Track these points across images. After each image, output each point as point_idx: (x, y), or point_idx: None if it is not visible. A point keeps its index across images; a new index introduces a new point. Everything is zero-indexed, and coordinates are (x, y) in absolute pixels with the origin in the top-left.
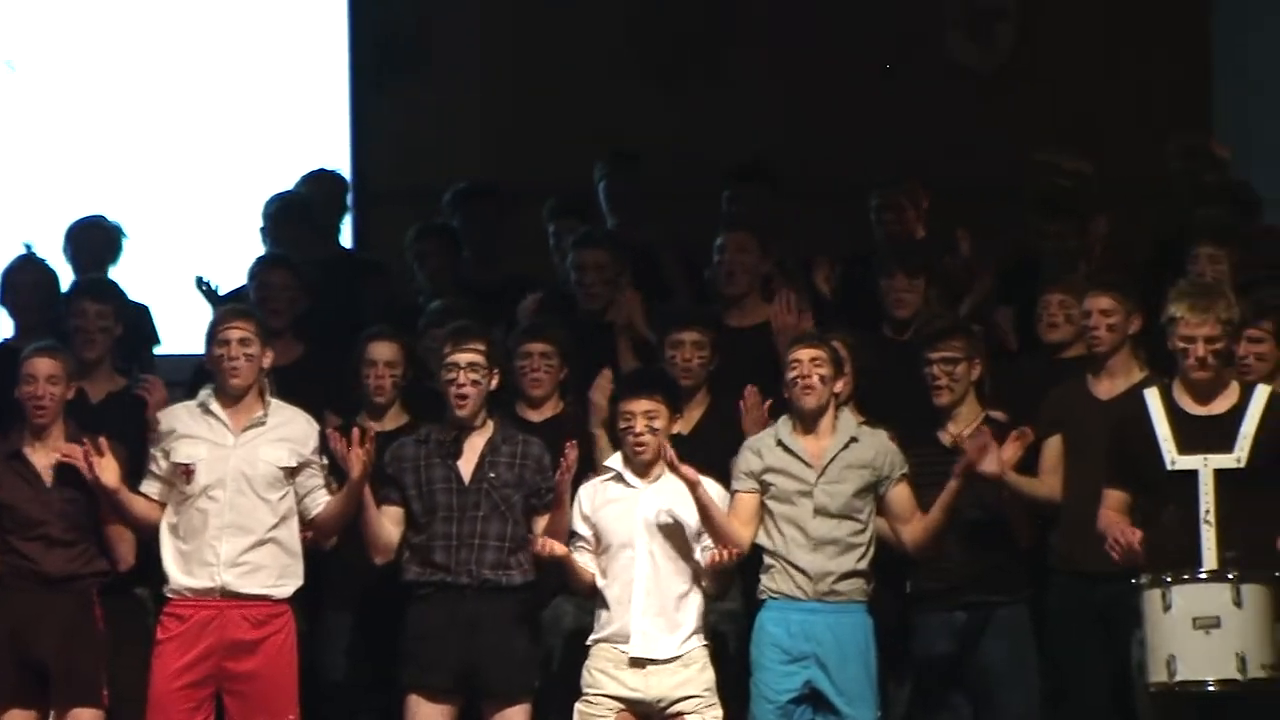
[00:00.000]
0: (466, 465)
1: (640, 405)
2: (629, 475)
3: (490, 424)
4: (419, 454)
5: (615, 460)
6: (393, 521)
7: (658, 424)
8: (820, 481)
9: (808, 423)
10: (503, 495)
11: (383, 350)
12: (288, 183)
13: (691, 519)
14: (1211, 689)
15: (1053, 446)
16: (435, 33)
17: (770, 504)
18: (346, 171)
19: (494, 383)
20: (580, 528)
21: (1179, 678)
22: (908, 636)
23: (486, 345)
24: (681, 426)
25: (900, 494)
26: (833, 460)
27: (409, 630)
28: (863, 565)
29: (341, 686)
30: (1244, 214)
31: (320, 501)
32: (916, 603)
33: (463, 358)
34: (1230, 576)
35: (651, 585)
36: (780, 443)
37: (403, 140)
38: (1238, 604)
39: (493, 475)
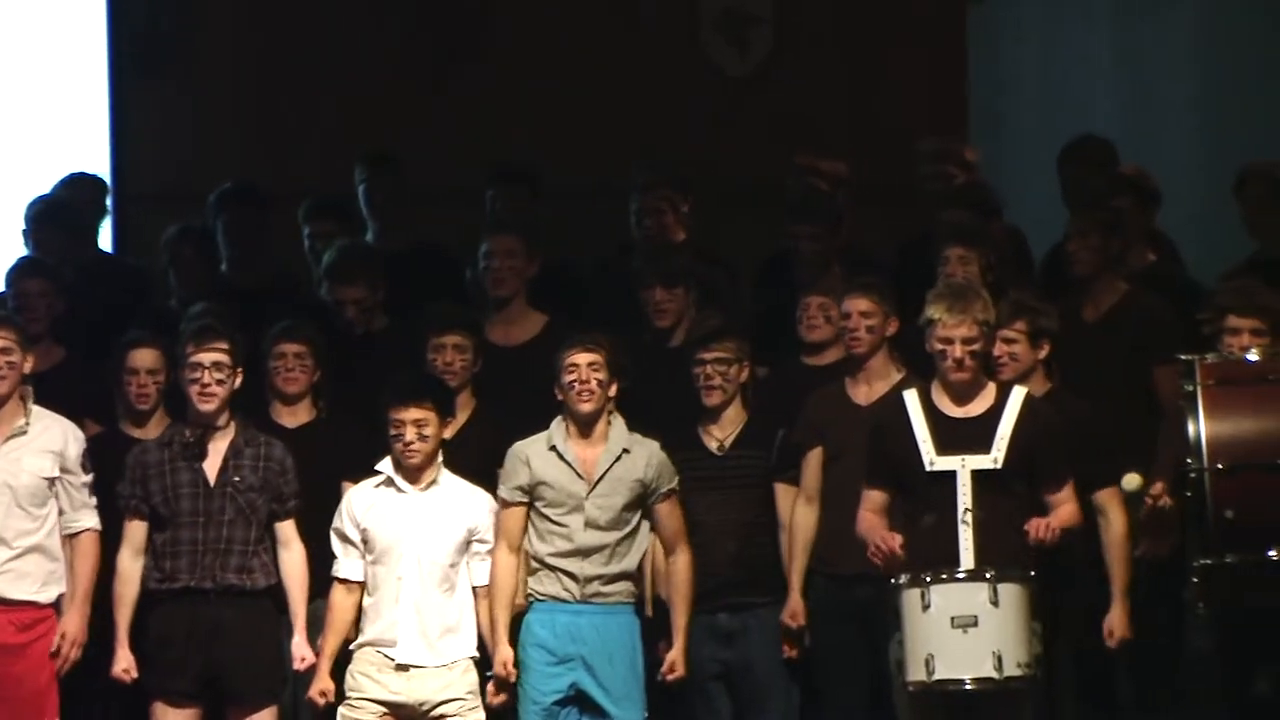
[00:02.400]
0: (211, 468)
1: (410, 414)
2: (400, 481)
3: (233, 426)
4: (163, 457)
5: (386, 465)
6: (140, 535)
7: (428, 431)
8: (591, 495)
9: (582, 428)
10: (247, 499)
11: (144, 358)
12: (47, 185)
13: (461, 527)
14: (969, 687)
15: (815, 457)
16: (195, 32)
17: (541, 512)
18: (106, 173)
19: (237, 382)
20: (350, 532)
21: (937, 676)
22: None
23: (230, 345)
24: (446, 431)
25: (665, 510)
26: (605, 475)
27: (150, 636)
28: (630, 567)
29: (99, 691)
30: (986, 216)
31: (80, 525)
32: None
33: (206, 357)
34: (987, 576)
35: (419, 591)
36: (553, 448)
37: (163, 141)
38: (995, 603)
39: (237, 479)
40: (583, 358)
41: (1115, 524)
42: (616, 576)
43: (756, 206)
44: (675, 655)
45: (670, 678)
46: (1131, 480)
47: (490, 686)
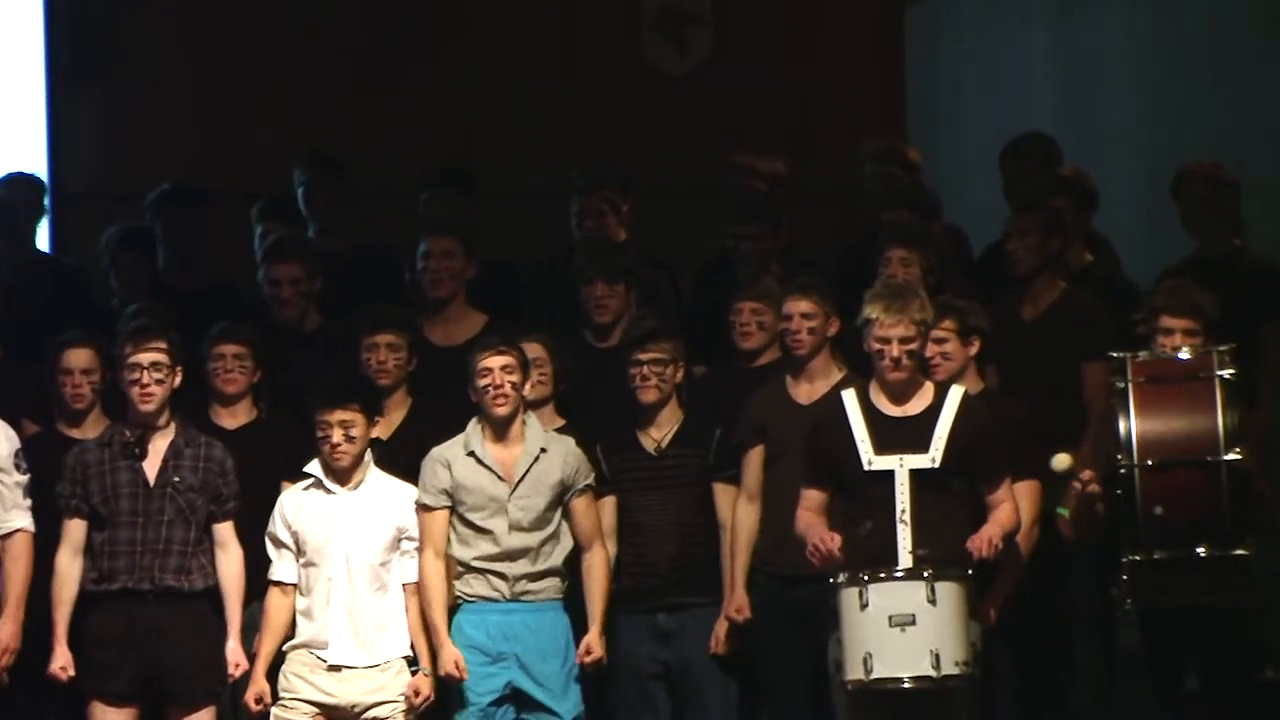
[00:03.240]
0: (151, 468)
1: (336, 415)
2: (329, 482)
3: (173, 426)
4: (103, 457)
5: (314, 467)
6: (79, 535)
7: (354, 432)
8: (513, 497)
9: (498, 430)
10: (187, 500)
11: (78, 358)
12: None
13: (390, 525)
14: (907, 686)
15: (756, 456)
16: (134, 31)
17: (464, 516)
18: (43, 172)
19: (176, 381)
20: (282, 535)
21: (875, 675)
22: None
23: (168, 344)
24: (381, 431)
25: (580, 506)
26: (525, 476)
27: (88, 637)
28: (556, 564)
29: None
30: (926, 217)
31: (12, 525)
32: (619, 603)
33: (144, 357)
34: (925, 575)
35: (349, 591)
36: (471, 452)
37: (101, 141)
38: (932, 602)
39: (177, 479)
40: (495, 361)
41: (1022, 519)
42: (544, 574)
43: (697, 206)
44: (591, 638)
45: (587, 661)
46: (1062, 460)
47: (409, 690)
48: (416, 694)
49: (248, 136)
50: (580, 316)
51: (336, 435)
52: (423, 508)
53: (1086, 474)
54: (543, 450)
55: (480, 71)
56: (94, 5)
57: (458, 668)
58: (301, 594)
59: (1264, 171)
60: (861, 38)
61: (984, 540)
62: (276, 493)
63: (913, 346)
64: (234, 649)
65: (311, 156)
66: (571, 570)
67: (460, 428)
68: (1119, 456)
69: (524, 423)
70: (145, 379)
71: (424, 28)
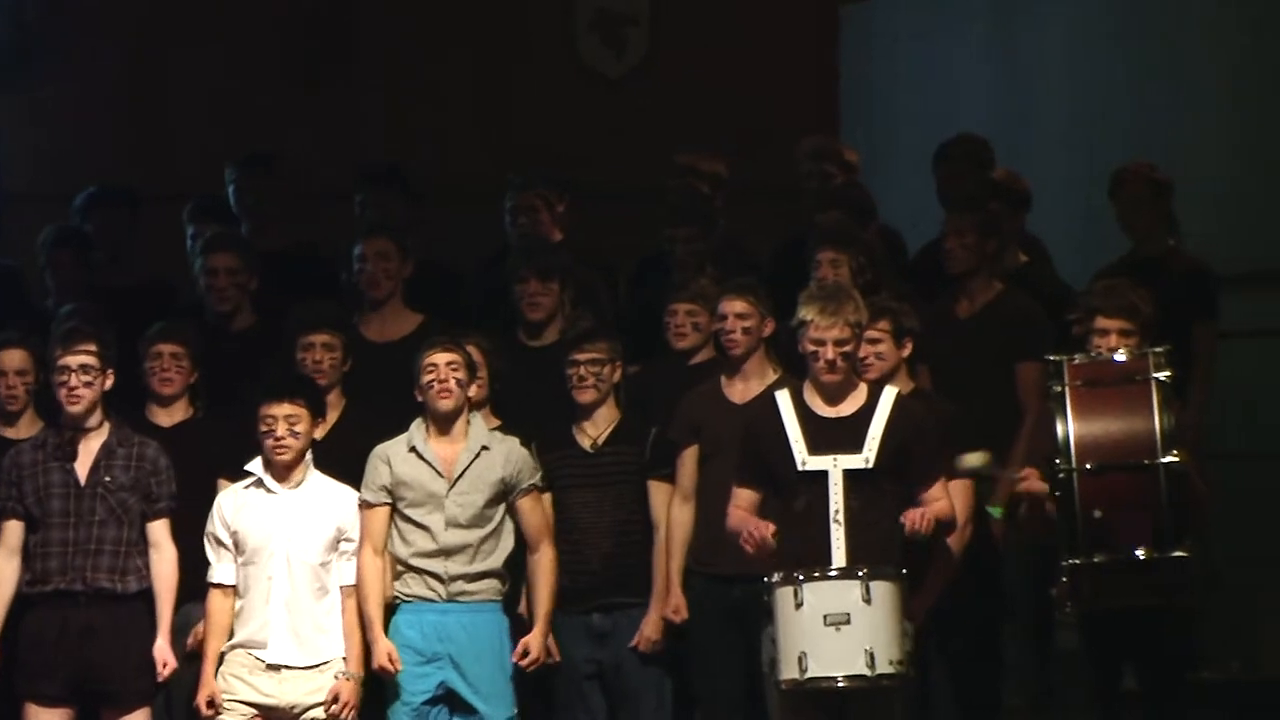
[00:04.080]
0: (83, 468)
1: (282, 409)
2: (270, 481)
3: (106, 426)
4: (36, 458)
5: (256, 465)
6: (15, 536)
7: (299, 428)
8: (451, 493)
9: (442, 426)
10: (119, 499)
11: (12, 359)
12: None
13: (330, 525)
14: (841, 685)
15: (691, 456)
16: (68, 31)
17: (403, 512)
18: None
19: (108, 383)
20: (222, 535)
21: (809, 674)
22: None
23: (98, 346)
24: (317, 431)
25: (526, 506)
26: (464, 472)
27: (23, 638)
28: (495, 565)
29: None
30: (862, 218)
31: None
32: (556, 603)
33: (73, 360)
34: (860, 574)
35: (289, 591)
36: (413, 449)
37: (35, 140)
38: (867, 601)
39: (109, 479)
40: (441, 357)
41: (956, 518)
42: (482, 575)
43: (633, 207)
44: (531, 639)
45: (524, 663)
46: (973, 459)
47: (329, 694)
48: (336, 699)
49: (182, 137)
50: (515, 317)
51: (281, 429)
52: (363, 504)
53: (1026, 471)
54: (484, 448)
55: (416, 72)
56: (25, 10)
57: (391, 660)
58: (240, 594)
59: (1197, 172)
60: (796, 38)
61: (918, 514)
62: (213, 491)
63: (847, 349)
64: (161, 648)
65: (244, 156)
66: (513, 572)
67: (395, 425)
68: (1057, 460)
69: (468, 421)
70: (73, 381)
71: (359, 28)
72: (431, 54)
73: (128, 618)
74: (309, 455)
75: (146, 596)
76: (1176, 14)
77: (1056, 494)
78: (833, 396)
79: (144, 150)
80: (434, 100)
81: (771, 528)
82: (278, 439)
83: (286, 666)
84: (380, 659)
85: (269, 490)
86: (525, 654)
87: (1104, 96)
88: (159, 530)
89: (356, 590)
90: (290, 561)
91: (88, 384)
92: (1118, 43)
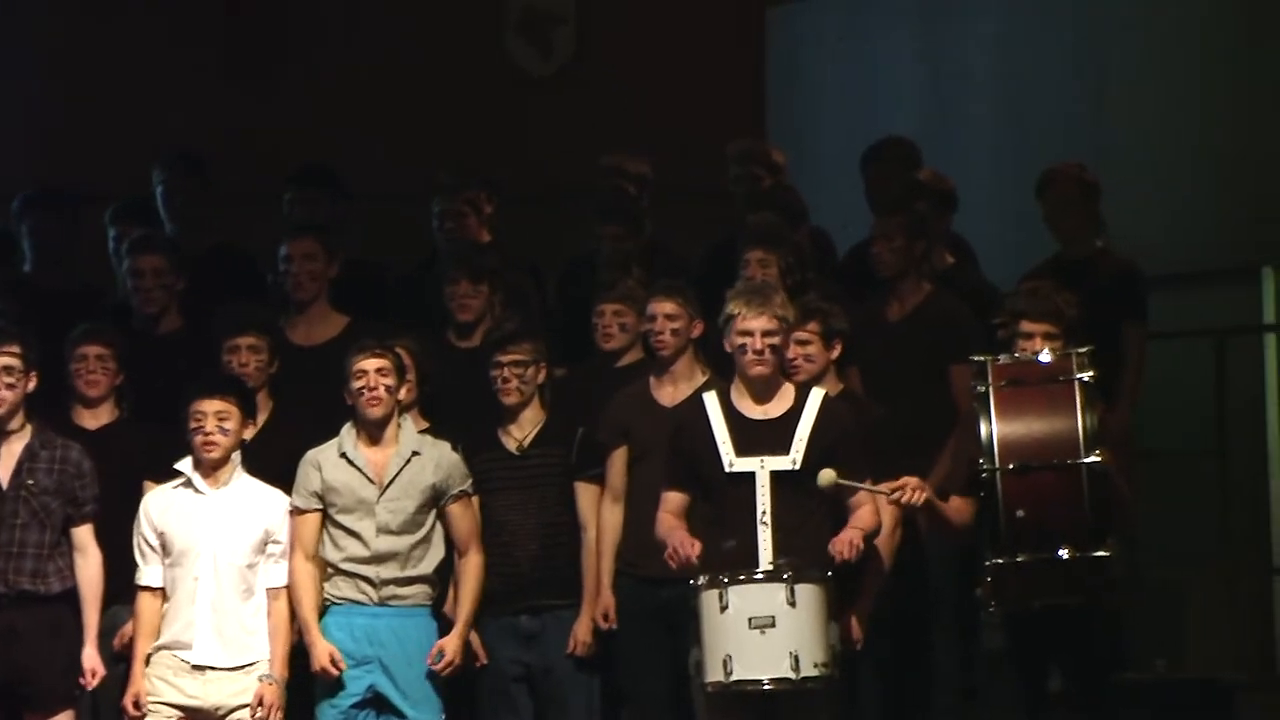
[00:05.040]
0: (5, 471)
1: (212, 405)
2: (198, 481)
3: (29, 429)
4: None
5: (185, 465)
6: None
7: (229, 425)
8: (382, 499)
9: (372, 432)
10: (41, 503)
11: None
12: None
13: (258, 527)
14: (766, 687)
15: (620, 457)
16: None
17: (334, 519)
18: None
19: (31, 385)
20: (149, 537)
21: (735, 677)
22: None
23: (21, 348)
24: (246, 433)
25: (457, 512)
26: (395, 478)
27: None
28: (426, 571)
29: None
30: (791, 220)
31: None
32: (482, 605)
33: None
34: (785, 577)
35: (215, 592)
36: (343, 454)
37: None
38: (792, 604)
39: (31, 482)
40: (370, 363)
41: (884, 522)
42: (413, 580)
43: (561, 207)
44: (446, 642)
45: (439, 667)
46: (825, 475)
47: (254, 697)
48: (260, 702)
49: (109, 139)
50: (444, 318)
51: (210, 424)
52: (294, 510)
53: (902, 481)
54: (415, 453)
55: (343, 72)
56: None
57: (333, 662)
58: (165, 596)
59: (1123, 174)
60: (723, 39)
61: (845, 542)
62: (138, 494)
63: (775, 340)
64: (90, 655)
65: (170, 157)
66: (444, 577)
67: (322, 428)
68: (981, 460)
69: (399, 425)
70: None
71: (286, 28)
72: (358, 53)
73: (51, 619)
74: (237, 456)
75: (70, 598)
76: (1101, 13)
77: (980, 494)
78: (760, 397)
79: (69, 152)
80: (361, 100)
81: (699, 548)
82: (207, 435)
83: (211, 667)
84: (322, 660)
85: (197, 491)
86: (440, 657)
87: (1030, 97)
88: (84, 534)
89: (290, 596)
90: (217, 562)
91: (10, 386)
92: (1044, 43)
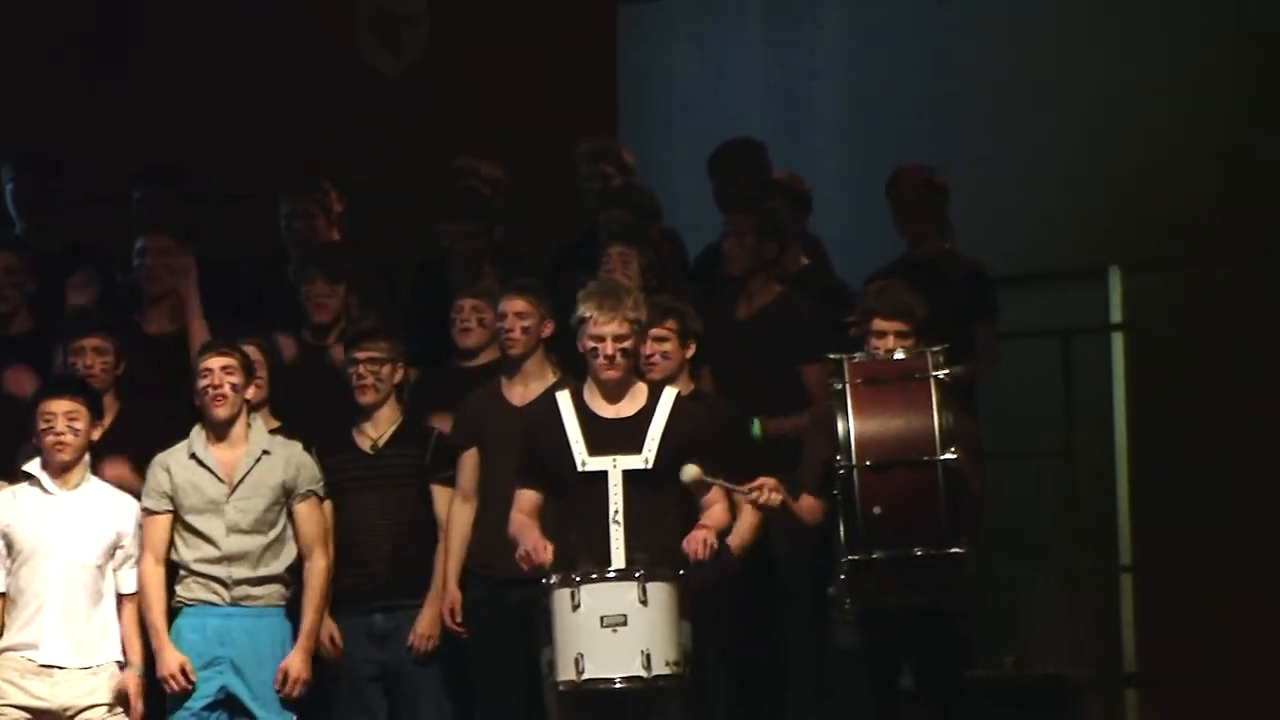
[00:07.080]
0: None
1: (62, 405)
2: (48, 482)
3: None
4: None
5: (34, 466)
6: None
7: (78, 425)
8: (232, 499)
9: (220, 431)
10: None
11: None
12: None
13: (109, 529)
14: (618, 686)
15: (472, 458)
16: None
17: (184, 519)
18: None
19: None
20: None
21: (586, 675)
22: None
23: None
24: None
25: (303, 512)
26: (244, 478)
27: None
28: (280, 570)
29: None
30: (645, 219)
31: None
32: (336, 604)
33: None
34: (637, 575)
35: (64, 592)
36: (193, 455)
37: None
38: (644, 602)
39: None
40: (216, 362)
41: (741, 521)
42: (266, 579)
43: (412, 207)
44: (289, 662)
45: (285, 691)
46: (688, 471)
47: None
48: (121, 693)
49: None
50: (299, 317)
51: (60, 424)
52: (145, 511)
53: (760, 482)
54: (266, 452)
55: (195, 70)
56: None
57: (184, 673)
58: (11, 598)
59: (971, 173)
60: (574, 39)
61: (699, 541)
62: None
63: (626, 345)
64: None
65: (19, 155)
66: (299, 577)
67: (176, 427)
68: (838, 457)
69: (248, 424)
70: None
71: (135, 26)
72: (211, 52)
73: None
74: (87, 458)
75: None
76: (952, 10)
77: (835, 492)
78: (613, 396)
79: None
80: (213, 99)
81: (551, 550)
82: (57, 434)
83: (60, 667)
84: (170, 668)
85: (46, 491)
86: (285, 677)
87: (880, 96)
88: None
89: (140, 599)
90: (67, 564)
91: None
92: (892, 41)
